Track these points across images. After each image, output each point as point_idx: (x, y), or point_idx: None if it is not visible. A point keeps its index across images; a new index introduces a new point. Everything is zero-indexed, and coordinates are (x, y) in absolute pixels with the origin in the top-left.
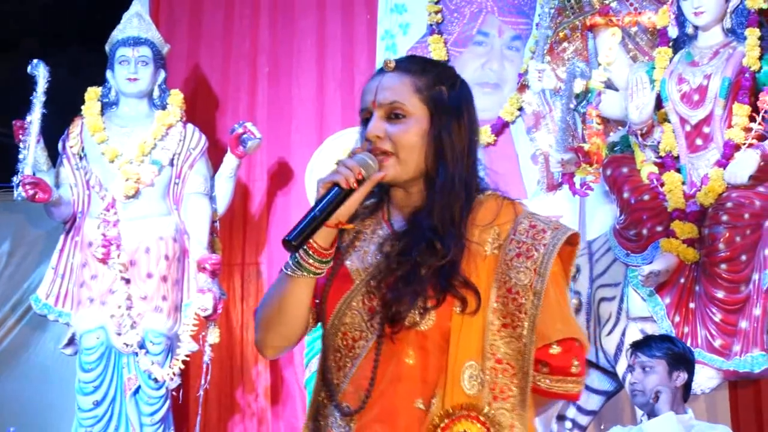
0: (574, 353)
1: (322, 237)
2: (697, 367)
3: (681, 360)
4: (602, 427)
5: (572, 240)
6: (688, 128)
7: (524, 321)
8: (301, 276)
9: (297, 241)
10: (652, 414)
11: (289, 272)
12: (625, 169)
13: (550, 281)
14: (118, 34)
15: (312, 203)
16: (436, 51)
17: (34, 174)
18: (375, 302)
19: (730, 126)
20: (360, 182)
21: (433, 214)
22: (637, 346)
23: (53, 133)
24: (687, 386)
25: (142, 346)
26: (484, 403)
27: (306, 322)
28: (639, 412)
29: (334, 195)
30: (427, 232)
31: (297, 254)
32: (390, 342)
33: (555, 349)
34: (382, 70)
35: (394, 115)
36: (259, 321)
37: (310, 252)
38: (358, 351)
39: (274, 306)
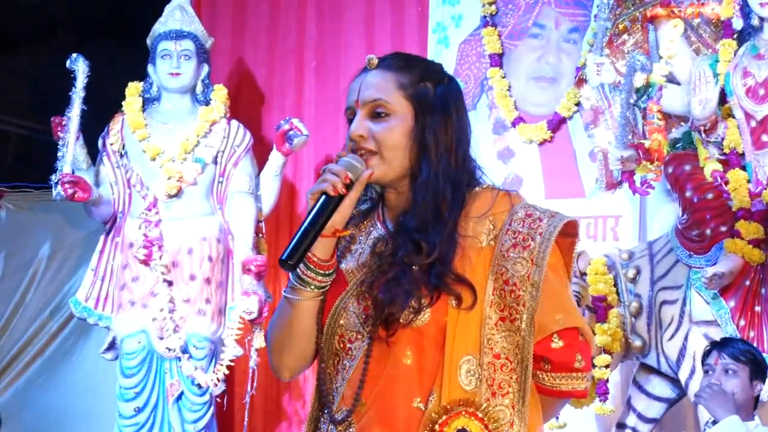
0: (578, 347)
1: (320, 248)
2: None
3: (761, 369)
4: None
5: (571, 230)
6: (753, 124)
7: (522, 313)
8: (306, 291)
9: (293, 259)
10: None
11: (288, 294)
12: (687, 167)
13: (549, 271)
14: (159, 27)
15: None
16: (490, 44)
17: (73, 172)
18: (369, 302)
19: None
20: (349, 186)
21: (417, 214)
22: (721, 347)
23: (89, 130)
24: (757, 397)
25: (185, 350)
26: (482, 398)
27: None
28: (702, 421)
29: (324, 204)
30: (412, 233)
31: (298, 270)
32: (384, 343)
33: (557, 344)
34: (366, 69)
35: (376, 113)
36: (271, 344)
37: (311, 266)
38: (354, 353)
39: (284, 328)
